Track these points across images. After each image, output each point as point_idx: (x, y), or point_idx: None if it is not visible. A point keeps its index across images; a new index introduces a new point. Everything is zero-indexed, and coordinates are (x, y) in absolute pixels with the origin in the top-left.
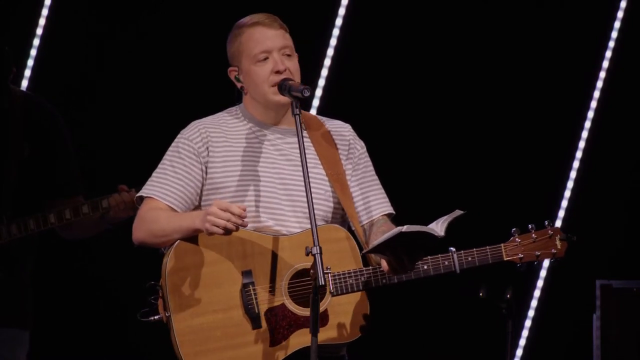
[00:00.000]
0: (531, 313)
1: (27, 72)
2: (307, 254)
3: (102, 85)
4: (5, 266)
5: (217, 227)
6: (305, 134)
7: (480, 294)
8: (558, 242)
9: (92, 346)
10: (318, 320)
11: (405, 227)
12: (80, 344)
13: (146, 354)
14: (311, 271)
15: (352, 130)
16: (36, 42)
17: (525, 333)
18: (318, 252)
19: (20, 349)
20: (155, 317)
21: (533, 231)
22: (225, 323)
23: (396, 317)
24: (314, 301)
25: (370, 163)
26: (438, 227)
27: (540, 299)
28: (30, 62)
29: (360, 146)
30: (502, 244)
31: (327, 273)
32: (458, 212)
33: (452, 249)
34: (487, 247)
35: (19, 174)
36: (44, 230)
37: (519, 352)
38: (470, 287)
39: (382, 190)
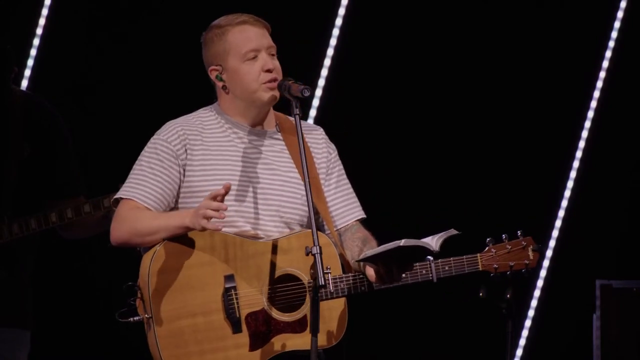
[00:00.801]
0: (531, 313)
1: (27, 72)
2: (307, 254)
3: (102, 85)
4: (6, 266)
5: (210, 218)
6: (279, 136)
7: (480, 294)
8: (530, 253)
9: (93, 347)
10: (318, 320)
11: (403, 241)
12: (81, 345)
13: (146, 354)
14: (311, 271)
15: (324, 133)
16: (36, 42)
17: (525, 333)
18: (318, 252)
19: (21, 349)
20: (136, 318)
21: (507, 241)
22: (206, 327)
23: (396, 317)
24: (314, 301)
25: (342, 167)
26: (434, 242)
27: (540, 299)
28: (30, 62)
29: (332, 149)
30: (478, 254)
31: (327, 273)
32: (454, 232)
33: (430, 257)
34: (464, 256)
35: (20, 173)
36: (46, 229)
37: (519, 352)
38: (470, 287)
39: (354, 195)
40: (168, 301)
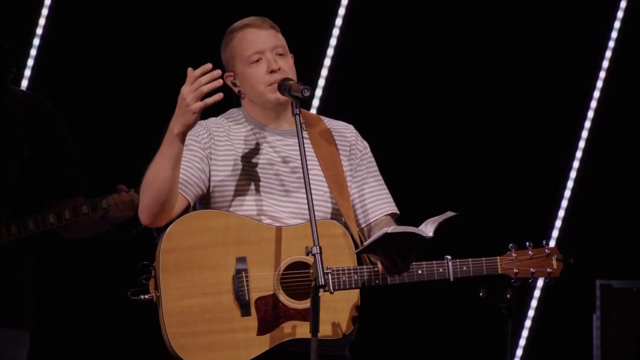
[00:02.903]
0: (531, 313)
1: (27, 72)
2: (307, 254)
3: (102, 85)
4: (6, 266)
5: (197, 98)
6: (305, 134)
7: (480, 294)
8: (554, 262)
9: (93, 347)
10: (318, 320)
11: (391, 228)
12: (81, 345)
13: (147, 354)
14: (311, 271)
15: (354, 130)
16: (36, 42)
17: (525, 333)
18: (318, 252)
19: (21, 349)
20: (146, 296)
21: (530, 248)
22: (214, 307)
23: (396, 316)
24: (313, 301)
25: (373, 163)
26: (427, 228)
27: (540, 299)
28: (30, 62)
29: (362, 147)
30: (497, 257)
31: (328, 273)
32: (450, 214)
33: (448, 257)
34: (483, 258)
35: (20, 174)
36: (44, 230)
37: (519, 352)
38: (471, 287)
39: (386, 191)
40: (177, 279)
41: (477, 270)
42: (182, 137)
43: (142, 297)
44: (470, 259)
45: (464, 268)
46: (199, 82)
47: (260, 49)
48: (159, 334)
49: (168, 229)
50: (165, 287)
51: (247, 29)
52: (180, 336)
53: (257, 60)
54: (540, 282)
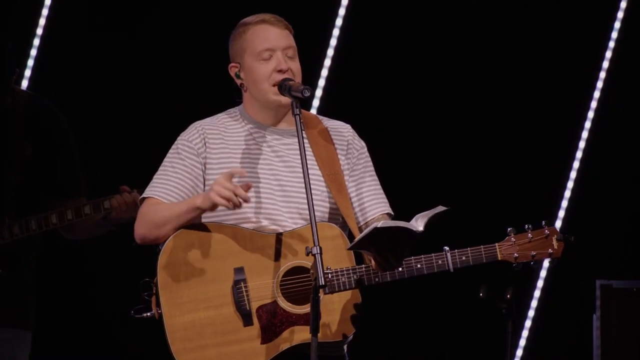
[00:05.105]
0: (531, 313)
1: (27, 72)
2: (308, 254)
3: (103, 85)
4: (8, 266)
5: (222, 197)
6: (303, 133)
7: (480, 294)
8: (555, 243)
9: (94, 346)
10: (318, 319)
11: (381, 222)
12: (82, 345)
13: (147, 354)
14: (311, 271)
15: (352, 130)
16: (36, 42)
17: (525, 333)
18: (318, 252)
19: (21, 349)
20: (148, 314)
21: (529, 231)
22: (216, 320)
23: (396, 316)
24: (314, 301)
25: (370, 163)
26: (417, 223)
27: (540, 299)
28: (30, 62)
29: (359, 146)
30: (496, 244)
31: (327, 273)
32: (441, 208)
33: (446, 248)
34: (482, 246)
35: (21, 174)
36: (46, 230)
37: (519, 352)
38: (470, 287)
39: (381, 191)
40: (177, 295)
41: (476, 258)
42: (201, 212)
43: (145, 314)
44: (468, 248)
45: (463, 258)
46: (234, 189)
47: (272, 46)
48: (162, 339)
49: (164, 245)
50: (166, 304)
51: (263, 25)
52: (184, 352)
53: (267, 58)
54: (540, 283)
